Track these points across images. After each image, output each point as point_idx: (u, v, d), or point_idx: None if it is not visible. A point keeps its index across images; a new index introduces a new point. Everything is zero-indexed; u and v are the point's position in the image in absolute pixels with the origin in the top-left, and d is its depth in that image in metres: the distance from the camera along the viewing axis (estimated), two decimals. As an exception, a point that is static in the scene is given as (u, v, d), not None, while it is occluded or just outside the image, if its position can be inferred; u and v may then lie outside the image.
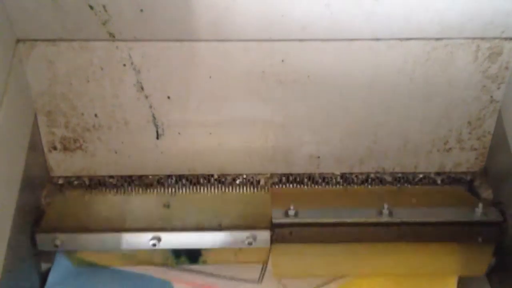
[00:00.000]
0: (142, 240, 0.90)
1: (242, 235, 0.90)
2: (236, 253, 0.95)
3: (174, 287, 0.93)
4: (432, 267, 0.93)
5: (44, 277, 0.94)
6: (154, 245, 0.89)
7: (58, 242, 0.89)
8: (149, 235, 0.90)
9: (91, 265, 0.95)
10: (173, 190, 0.99)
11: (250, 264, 0.95)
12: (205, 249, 0.95)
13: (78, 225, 0.92)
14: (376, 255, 0.93)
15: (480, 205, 0.91)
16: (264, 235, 0.90)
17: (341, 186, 1.01)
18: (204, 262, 0.96)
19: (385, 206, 0.91)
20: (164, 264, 0.96)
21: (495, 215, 0.91)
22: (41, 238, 0.90)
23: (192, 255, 0.95)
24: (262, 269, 0.94)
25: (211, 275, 0.95)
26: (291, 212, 0.91)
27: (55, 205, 0.96)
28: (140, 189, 1.00)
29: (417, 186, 1.01)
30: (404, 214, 0.91)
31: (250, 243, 0.90)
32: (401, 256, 0.93)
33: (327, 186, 1.01)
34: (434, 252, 0.93)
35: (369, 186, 1.01)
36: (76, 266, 0.95)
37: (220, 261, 0.95)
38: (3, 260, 0.80)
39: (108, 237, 0.90)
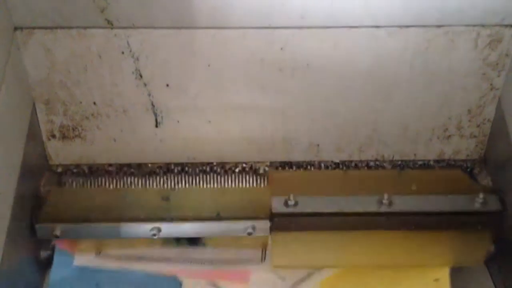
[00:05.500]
0: (142, 230, 0.90)
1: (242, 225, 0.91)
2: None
3: (182, 281, 0.93)
4: (427, 256, 0.94)
5: (43, 265, 0.94)
6: (154, 235, 0.89)
7: (57, 232, 0.89)
8: (149, 225, 0.90)
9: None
10: (172, 178, 1.00)
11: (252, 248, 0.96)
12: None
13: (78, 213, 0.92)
14: (373, 244, 0.93)
15: (481, 195, 0.91)
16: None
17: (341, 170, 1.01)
18: (205, 244, 0.95)
19: (385, 196, 0.90)
20: (164, 246, 0.95)
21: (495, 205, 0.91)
22: (40, 226, 0.90)
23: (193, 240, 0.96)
24: (262, 251, 0.95)
25: (214, 261, 0.94)
26: (291, 202, 0.91)
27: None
28: (139, 178, 0.99)
29: (417, 171, 1.01)
30: (404, 204, 0.91)
31: (250, 233, 0.90)
32: (400, 244, 0.93)
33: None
34: (429, 242, 0.93)
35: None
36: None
37: (221, 244, 0.95)
38: (2, 248, 0.80)
39: (108, 226, 0.91)
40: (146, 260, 0.94)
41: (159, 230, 0.90)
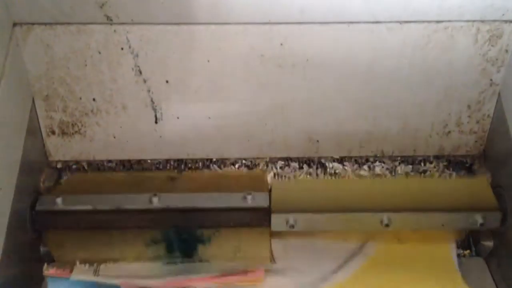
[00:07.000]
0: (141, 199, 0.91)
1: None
2: (235, 251, 0.93)
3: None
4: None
5: (43, 260, 0.94)
6: (151, 202, 0.90)
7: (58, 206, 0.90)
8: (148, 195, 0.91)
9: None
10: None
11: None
12: (202, 244, 0.93)
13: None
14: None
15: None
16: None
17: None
18: (200, 260, 0.93)
19: (385, 217, 0.91)
20: (155, 258, 0.93)
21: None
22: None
23: (187, 250, 0.94)
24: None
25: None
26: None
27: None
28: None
29: (422, 180, 1.00)
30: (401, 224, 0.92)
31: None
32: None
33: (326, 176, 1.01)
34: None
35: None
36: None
37: (217, 257, 0.93)
38: (3, 244, 0.80)
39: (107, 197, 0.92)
40: (148, 277, 0.91)
41: (158, 198, 0.90)
